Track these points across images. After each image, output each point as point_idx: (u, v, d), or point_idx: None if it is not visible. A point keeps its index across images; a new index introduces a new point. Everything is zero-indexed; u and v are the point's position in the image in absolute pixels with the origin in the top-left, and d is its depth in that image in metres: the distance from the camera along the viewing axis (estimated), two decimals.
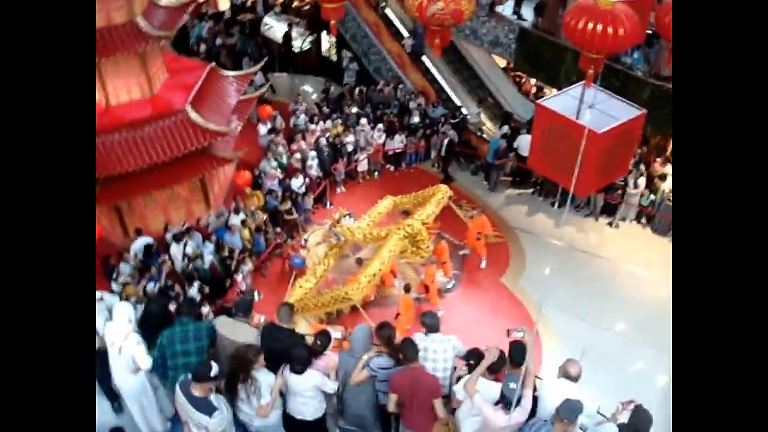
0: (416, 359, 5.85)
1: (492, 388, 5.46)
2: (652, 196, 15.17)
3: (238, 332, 6.24)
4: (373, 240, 12.82)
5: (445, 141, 16.55)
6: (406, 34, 19.24)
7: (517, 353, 5.70)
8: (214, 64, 14.36)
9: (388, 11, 19.49)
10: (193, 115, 12.28)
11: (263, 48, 20.45)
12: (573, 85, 6.75)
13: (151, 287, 11.28)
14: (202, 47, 19.64)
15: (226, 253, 12.77)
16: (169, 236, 12.75)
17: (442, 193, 13.45)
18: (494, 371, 5.65)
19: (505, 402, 5.28)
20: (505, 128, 16.67)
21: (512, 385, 5.20)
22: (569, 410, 5.06)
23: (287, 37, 20.97)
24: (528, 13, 15.61)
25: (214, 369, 5.49)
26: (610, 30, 5.78)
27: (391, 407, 5.95)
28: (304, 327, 11.93)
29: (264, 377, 5.90)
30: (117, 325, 6.59)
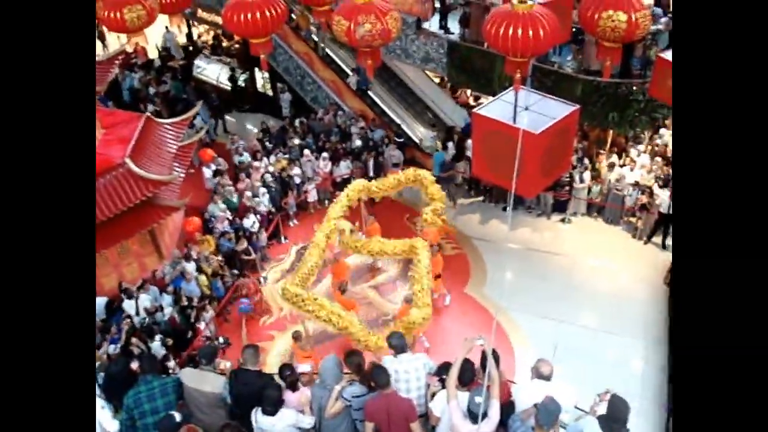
0: (388, 385, 5.77)
1: (461, 398, 5.43)
2: (597, 188, 15.49)
3: (204, 382, 6.09)
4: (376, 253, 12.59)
5: (370, 163, 16.63)
6: (349, 71, 19.19)
7: (483, 363, 5.70)
8: (148, 114, 14.20)
9: (328, 51, 19.40)
10: (134, 168, 12.09)
11: (202, 92, 20.29)
12: (505, 91, 6.85)
13: (113, 350, 10.96)
14: (150, 107, 19.20)
15: (185, 303, 12.52)
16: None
17: (425, 178, 12.97)
18: (465, 383, 5.62)
19: (471, 416, 5.25)
20: (429, 133, 16.88)
21: (478, 399, 5.19)
22: (546, 415, 5.07)
23: (233, 78, 20.96)
24: (454, 25, 15.85)
25: (177, 417, 5.34)
26: (530, 32, 5.91)
27: None
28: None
29: None
30: None
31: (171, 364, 10.71)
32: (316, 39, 19.20)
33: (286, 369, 6.31)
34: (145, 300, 12.18)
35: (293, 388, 6.16)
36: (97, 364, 10.32)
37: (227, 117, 20.82)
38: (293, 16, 18.87)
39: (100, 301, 12.21)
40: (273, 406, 5.78)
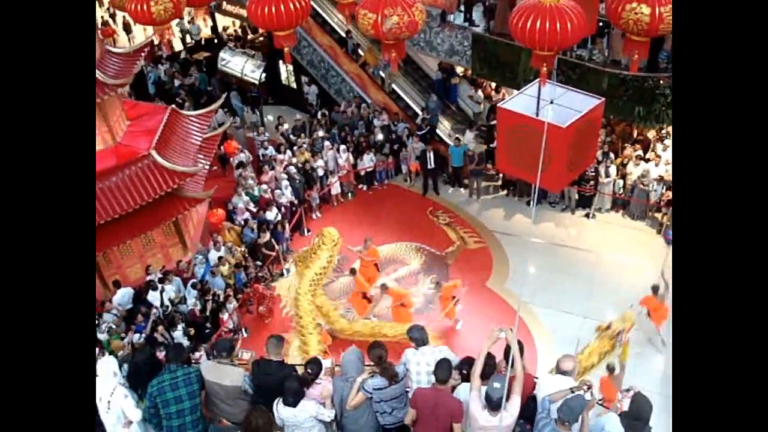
0: (446, 382, 5.68)
1: (483, 390, 5.41)
2: (621, 182, 15.33)
3: (223, 375, 6.10)
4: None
5: (430, 155, 16.52)
6: (419, 111, 18.36)
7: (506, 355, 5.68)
8: (173, 106, 14.32)
9: (395, 87, 18.95)
10: (159, 159, 12.21)
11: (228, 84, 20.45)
12: (529, 84, 6.79)
13: (137, 338, 11.11)
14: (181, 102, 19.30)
15: (209, 296, 12.61)
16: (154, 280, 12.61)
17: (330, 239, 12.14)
18: (486, 377, 5.59)
19: (487, 400, 5.23)
20: (470, 135, 16.75)
21: (496, 384, 5.17)
22: (568, 412, 5.04)
23: (271, 69, 21.00)
24: (479, 18, 15.75)
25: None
26: (558, 25, 5.83)
27: (408, 420, 5.86)
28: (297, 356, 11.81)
29: None
30: (102, 380, 6.44)
31: (196, 355, 10.80)
32: (383, 75, 18.87)
33: (311, 364, 6.31)
34: (170, 291, 12.32)
35: (307, 384, 6.13)
36: (121, 353, 10.47)
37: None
38: (360, 52, 18.78)
39: (126, 292, 12.37)
40: (294, 397, 5.81)
